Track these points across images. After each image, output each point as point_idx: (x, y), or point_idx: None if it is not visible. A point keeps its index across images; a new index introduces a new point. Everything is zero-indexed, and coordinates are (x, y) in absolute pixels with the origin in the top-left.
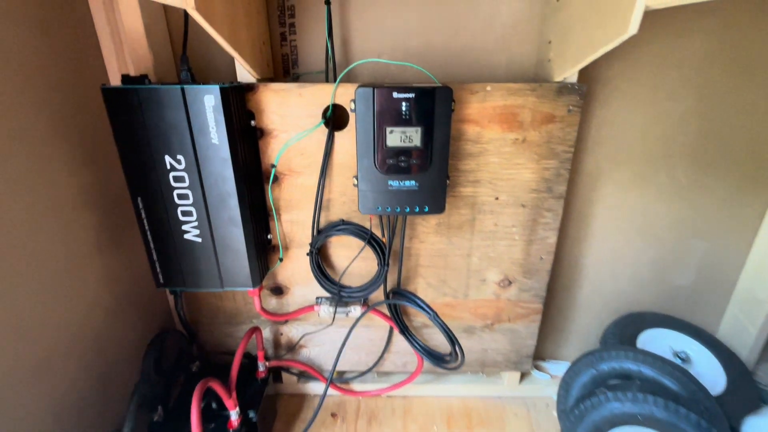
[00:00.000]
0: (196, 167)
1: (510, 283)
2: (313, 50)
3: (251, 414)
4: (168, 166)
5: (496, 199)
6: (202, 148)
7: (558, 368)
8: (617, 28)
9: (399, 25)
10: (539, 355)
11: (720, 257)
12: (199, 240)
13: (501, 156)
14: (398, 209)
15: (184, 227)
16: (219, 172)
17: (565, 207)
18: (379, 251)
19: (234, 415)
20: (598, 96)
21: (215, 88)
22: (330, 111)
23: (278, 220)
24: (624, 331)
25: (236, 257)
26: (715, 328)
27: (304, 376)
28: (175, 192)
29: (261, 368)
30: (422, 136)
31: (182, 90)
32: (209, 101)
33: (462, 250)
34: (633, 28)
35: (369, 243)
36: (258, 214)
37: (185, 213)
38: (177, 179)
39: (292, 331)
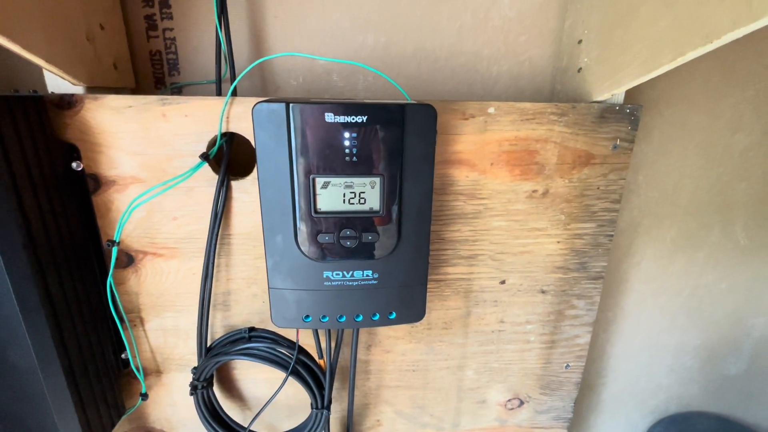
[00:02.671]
0: None
1: (521, 403)
2: (204, 45)
3: None
4: None
5: (502, 283)
6: None
7: None
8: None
9: (346, 15)
10: None
11: None
12: None
13: (510, 218)
14: (342, 318)
15: None
16: None
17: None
18: (314, 385)
19: None
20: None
21: None
22: (218, 143)
23: (138, 327)
24: None
25: (33, 408)
26: None
27: None
28: None
29: None
30: (383, 192)
31: None
32: None
33: (450, 361)
34: None
35: (294, 373)
36: (92, 322)
37: None
38: None
39: None
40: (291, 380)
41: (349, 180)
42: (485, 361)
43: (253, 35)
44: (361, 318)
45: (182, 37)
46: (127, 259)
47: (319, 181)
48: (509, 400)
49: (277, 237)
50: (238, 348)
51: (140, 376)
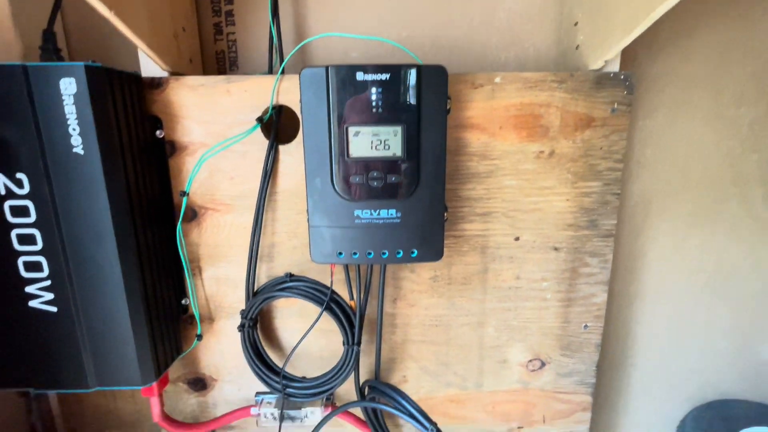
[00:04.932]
0: (48, 193)
1: (543, 364)
2: (258, 45)
3: None
4: (1, 191)
5: (516, 239)
6: (58, 162)
7: None
8: None
9: (373, 15)
10: None
11: None
12: (54, 309)
13: (520, 177)
14: (371, 254)
15: (30, 289)
16: (86, 202)
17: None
18: (345, 322)
19: None
20: (641, 101)
21: (78, 68)
22: (270, 112)
23: (197, 276)
24: (712, 428)
25: (116, 338)
26: None
27: None
28: (15, 232)
29: None
30: (404, 140)
31: (24, 69)
32: (68, 87)
33: (471, 317)
34: None
35: (328, 309)
36: (162, 269)
37: (30, 266)
38: (17, 211)
39: None
40: (324, 330)
41: (375, 129)
42: (504, 318)
43: (297, 35)
44: (386, 254)
45: (241, 40)
46: (192, 214)
47: (352, 130)
48: (530, 361)
49: (316, 180)
50: (280, 287)
51: (197, 315)
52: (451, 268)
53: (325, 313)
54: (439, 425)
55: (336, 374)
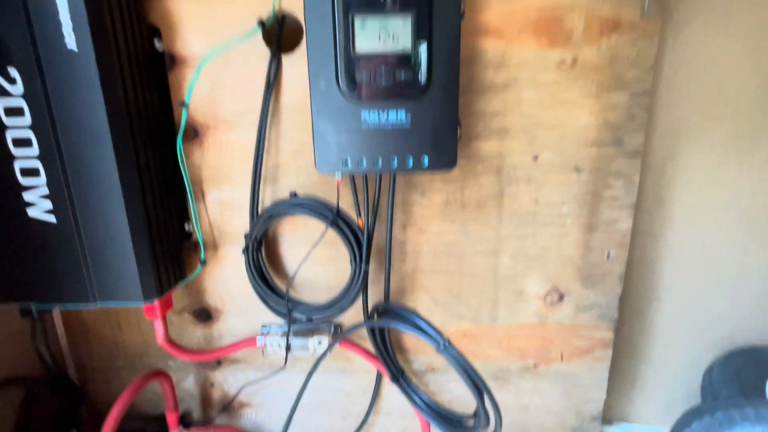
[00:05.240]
0: (43, 93)
1: (561, 297)
2: None
3: None
4: None
5: (535, 159)
6: (51, 57)
7: None
8: None
9: None
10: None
11: None
12: (53, 220)
13: (539, 89)
14: (379, 162)
15: (27, 196)
16: (82, 105)
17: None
18: (353, 240)
19: None
20: (674, 8)
21: None
22: (272, 16)
23: (200, 200)
24: (741, 375)
25: (116, 253)
26: None
27: None
28: (9, 134)
29: None
30: (414, 32)
31: None
32: None
33: (485, 245)
34: None
35: (335, 225)
36: (164, 190)
37: (27, 171)
38: (11, 112)
39: (228, 381)
40: (331, 258)
41: (383, 18)
42: (521, 246)
43: None
44: (396, 162)
45: None
46: (194, 132)
47: (357, 19)
48: (548, 293)
49: (320, 81)
50: (285, 206)
51: (200, 239)
52: (464, 192)
53: (332, 231)
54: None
55: (343, 295)
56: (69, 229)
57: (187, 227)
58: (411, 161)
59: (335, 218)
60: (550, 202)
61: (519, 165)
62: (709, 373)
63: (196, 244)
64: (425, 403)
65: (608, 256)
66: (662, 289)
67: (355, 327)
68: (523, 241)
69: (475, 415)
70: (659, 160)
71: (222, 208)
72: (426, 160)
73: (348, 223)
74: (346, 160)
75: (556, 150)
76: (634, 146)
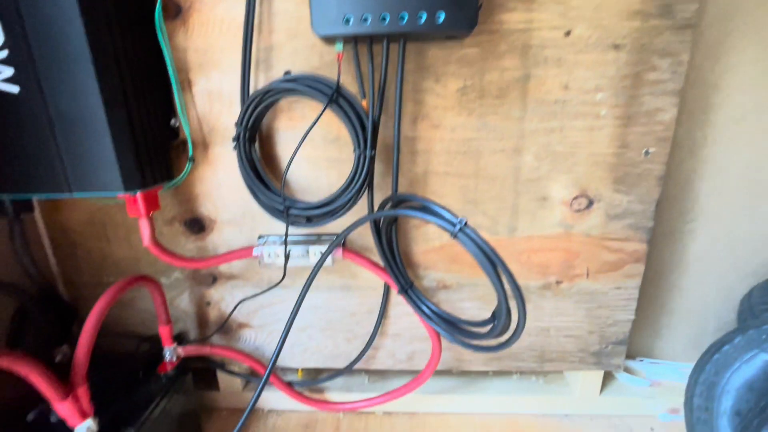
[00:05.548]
0: None
1: (590, 203)
2: None
3: None
4: None
5: (567, 34)
6: None
7: (658, 371)
8: None
9: None
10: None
11: None
12: (16, 90)
13: None
14: (386, 18)
15: None
16: None
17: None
18: (356, 122)
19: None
20: None
21: None
22: None
23: (186, 91)
24: None
25: (90, 132)
26: None
27: (252, 377)
28: None
29: (167, 357)
30: None
31: None
32: None
33: (506, 141)
34: None
35: (335, 104)
36: (145, 76)
37: None
38: None
39: (225, 299)
40: (332, 159)
41: None
42: (547, 142)
43: None
44: (406, 18)
45: None
46: (176, 10)
47: None
48: (576, 198)
49: None
50: (279, 84)
51: (188, 135)
52: (484, 76)
53: (332, 112)
54: (463, 279)
55: (346, 189)
56: (34, 99)
57: (173, 122)
58: (424, 16)
59: (336, 95)
60: (582, 89)
61: (548, 42)
62: (748, 298)
63: (184, 143)
64: (434, 313)
65: (646, 153)
66: (699, 210)
67: (361, 220)
68: (549, 137)
69: (494, 316)
70: (704, 55)
71: (211, 101)
72: (442, 16)
73: (351, 103)
74: (348, 18)
75: (592, 23)
76: (686, 16)
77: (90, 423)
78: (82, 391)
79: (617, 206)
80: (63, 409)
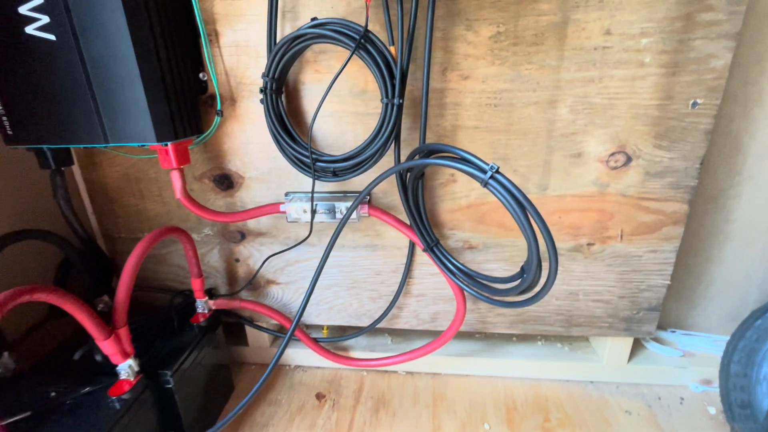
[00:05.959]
0: None
1: (629, 159)
2: None
3: (165, 376)
4: None
5: None
6: None
7: (691, 342)
8: None
9: None
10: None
11: None
12: (53, 38)
13: None
14: None
15: (24, 9)
16: None
17: None
18: (385, 69)
19: (125, 370)
20: None
21: None
22: None
23: (214, 44)
24: None
25: (123, 82)
26: None
27: (281, 332)
28: None
29: (199, 308)
30: None
31: None
32: None
33: (540, 93)
34: None
35: (362, 49)
36: (174, 29)
37: None
38: None
39: (253, 256)
40: (359, 113)
41: None
42: (584, 93)
43: None
44: None
45: None
46: None
47: None
48: (612, 155)
49: None
50: (305, 32)
51: (216, 88)
52: (519, 22)
53: (360, 60)
54: (489, 239)
55: (373, 140)
56: (69, 46)
57: (202, 76)
58: None
59: (362, 42)
60: (625, 34)
61: None
62: None
63: (213, 98)
64: (460, 270)
65: (694, 104)
66: (747, 174)
67: (389, 171)
68: (587, 87)
69: (523, 270)
70: (760, 13)
71: (239, 54)
72: None
73: (379, 49)
74: None
75: None
76: None
77: (131, 362)
78: (124, 332)
79: (657, 163)
80: (106, 347)
